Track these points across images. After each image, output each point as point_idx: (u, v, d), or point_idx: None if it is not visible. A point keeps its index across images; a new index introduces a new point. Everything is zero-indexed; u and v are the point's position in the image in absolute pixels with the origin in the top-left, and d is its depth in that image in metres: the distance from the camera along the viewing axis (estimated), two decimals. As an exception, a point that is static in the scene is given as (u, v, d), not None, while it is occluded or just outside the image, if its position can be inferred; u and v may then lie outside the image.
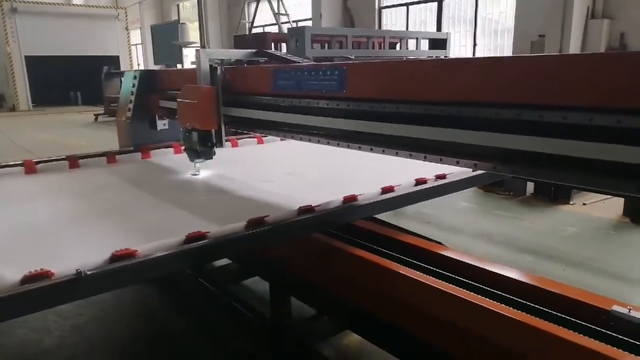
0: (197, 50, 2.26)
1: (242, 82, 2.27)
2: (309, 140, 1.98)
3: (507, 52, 10.49)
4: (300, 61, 2.15)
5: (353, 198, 2.03)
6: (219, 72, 2.27)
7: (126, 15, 22.60)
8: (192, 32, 17.19)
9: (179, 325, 2.98)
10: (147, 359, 2.65)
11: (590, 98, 1.10)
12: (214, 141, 2.35)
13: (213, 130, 2.32)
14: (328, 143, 1.88)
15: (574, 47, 8.28)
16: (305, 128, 1.98)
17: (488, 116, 1.33)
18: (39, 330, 2.86)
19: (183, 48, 15.51)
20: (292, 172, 2.79)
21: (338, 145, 1.84)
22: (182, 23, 13.52)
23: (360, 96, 1.69)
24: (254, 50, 2.49)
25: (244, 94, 2.26)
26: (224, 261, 3.25)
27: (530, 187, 5.61)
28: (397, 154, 1.67)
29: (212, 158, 2.47)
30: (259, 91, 2.15)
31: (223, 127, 2.33)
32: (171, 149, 3.36)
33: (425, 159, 1.57)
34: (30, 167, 2.82)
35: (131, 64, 22.89)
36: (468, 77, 1.38)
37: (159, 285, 3.35)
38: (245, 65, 2.48)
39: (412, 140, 1.58)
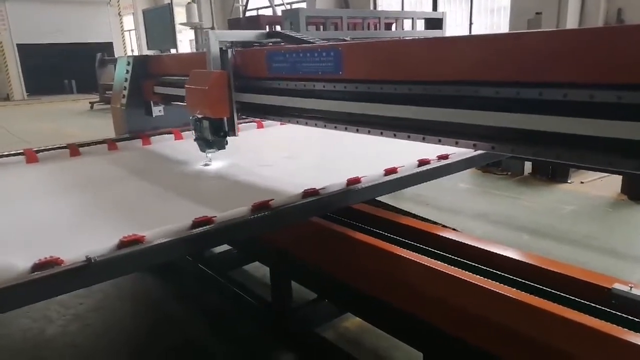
0: (206, 32, 2.14)
1: (255, 65, 2.12)
2: (326, 126, 1.89)
3: (504, 30, 10.40)
4: (316, 41, 2.02)
5: (356, 180, 2.02)
6: (229, 55, 2.15)
7: (118, 1, 22.26)
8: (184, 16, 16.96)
9: (180, 312, 3.00)
10: (149, 346, 2.68)
11: (590, 74, 1.09)
12: (227, 130, 2.23)
13: (225, 118, 2.20)
14: (346, 129, 1.82)
15: (571, 24, 8.21)
16: (324, 114, 1.89)
17: (487, 95, 1.31)
18: (40, 320, 2.88)
19: (178, 33, 15.29)
20: (294, 156, 2.78)
21: (346, 129, 1.80)
22: (188, 2, 13.16)
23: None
24: (266, 32, 2.36)
25: (257, 79, 2.13)
26: (223, 247, 3.26)
27: (528, 166, 5.63)
28: (395, 136, 1.66)
29: (224, 148, 2.35)
30: (275, 75, 2.03)
31: (235, 115, 2.21)
32: (171, 135, 3.34)
33: (423, 140, 1.56)
34: (31, 156, 2.81)
35: (125, 50, 22.62)
36: (467, 55, 1.36)
37: (159, 272, 3.37)
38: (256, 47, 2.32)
39: (410, 121, 1.57)
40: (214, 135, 2.23)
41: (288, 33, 2.32)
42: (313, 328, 2.56)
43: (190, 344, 2.66)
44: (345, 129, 1.83)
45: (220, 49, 2.13)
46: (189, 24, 12.72)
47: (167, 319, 2.94)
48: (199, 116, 2.23)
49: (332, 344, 2.48)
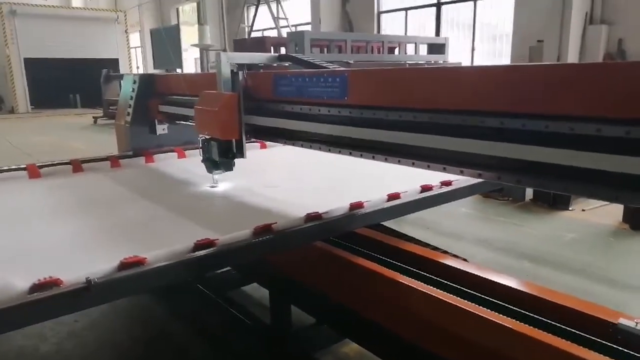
0: (218, 54, 2.14)
1: (265, 88, 2.13)
2: (331, 150, 1.89)
3: (506, 57, 10.52)
4: (328, 66, 2.01)
5: (359, 205, 2.01)
6: (240, 77, 2.16)
7: (125, 18, 22.61)
8: (192, 36, 17.21)
9: (177, 332, 2.96)
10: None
11: (597, 108, 1.10)
12: (235, 152, 2.21)
13: (234, 140, 2.19)
14: (350, 153, 1.81)
15: (572, 53, 8.32)
16: (330, 138, 1.89)
17: (493, 125, 1.32)
18: (34, 337, 2.83)
19: (183, 52, 15.49)
20: (297, 178, 2.78)
21: (350, 154, 1.81)
22: (200, 24, 13.35)
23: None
24: (278, 55, 2.37)
25: (267, 101, 2.14)
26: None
27: (529, 192, 5.62)
28: (399, 162, 1.67)
29: (232, 170, 2.34)
30: (285, 98, 2.03)
31: (244, 137, 2.20)
32: (175, 154, 3.35)
33: (428, 167, 1.56)
34: (34, 172, 2.81)
35: (130, 67, 22.89)
36: (473, 85, 1.37)
37: (156, 290, 3.33)
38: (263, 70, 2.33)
39: (415, 148, 1.58)
40: (222, 157, 2.22)
41: (300, 57, 2.32)
42: (312, 352, 2.52)
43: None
44: (350, 154, 1.84)
45: (232, 70, 2.14)
46: (200, 45, 12.88)
47: (163, 337, 2.90)
48: (208, 137, 2.23)
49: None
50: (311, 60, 2.19)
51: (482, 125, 1.35)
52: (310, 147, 2.02)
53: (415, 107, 1.53)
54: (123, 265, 1.39)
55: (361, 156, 1.79)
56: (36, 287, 1.25)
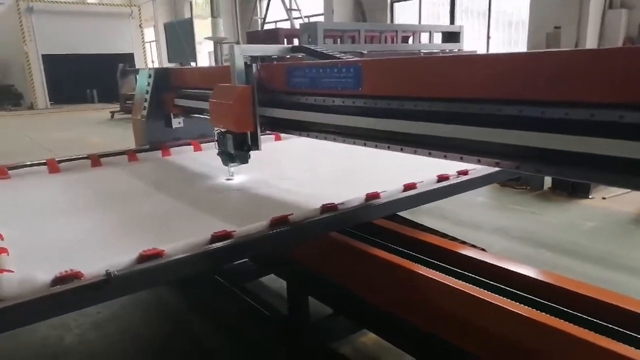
0: (231, 46, 2.14)
1: (279, 80, 2.12)
2: (345, 141, 1.89)
3: (522, 44, 10.34)
4: (343, 56, 1.99)
5: (375, 196, 2.00)
6: (254, 69, 2.15)
7: (140, 13, 22.75)
8: (206, 30, 17.23)
9: (195, 322, 3.01)
10: (164, 355, 2.68)
11: (619, 94, 1.07)
12: (250, 144, 2.22)
13: (249, 133, 2.19)
14: (365, 144, 1.81)
15: (591, 39, 8.14)
16: (345, 129, 1.88)
17: (511, 113, 1.30)
18: (58, 328, 2.90)
19: (197, 45, 15.52)
20: (312, 169, 2.77)
21: (365, 144, 1.80)
22: (214, 17, 13.35)
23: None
24: (291, 46, 2.36)
25: (281, 93, 2.13)
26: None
27: (547, 181, 5.54)
28: (415, 152, 1.65)
29: (247, 162, 2.35)
30: (299, 90, 2.03)
31: (259, 129, 2.20)
32: (191, 147, 3.38)
33: (445, 157, 1.55)
34: (53, 167, 2.85)
35: (145, 62, 23.06)
36: (491, 73, 1.35)
37: (175, 283, 3.38)
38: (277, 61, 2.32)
39: (431, 138, 1.56)
40: (238, 150, 2.22)
41: (313, 48, 2.31)
42: (329, 343, 2.53)
43: (204, 354, 2.65)
44: (365, 145, 1.83)
45: (245, 63, 2.13)
46: (214, 38, 12.87)
47: (182, 328, 2.95)
48: (223, 130, 2.23)
49: (347, 358, 2.46)
50: (325, 51, 2.17)
51: (499, 114, 1.33)
52: (325, 139, 2.01)
53: (431, 96, 1.51)
54: (142, 258, 1.41)
55: (376, 146, 1.78)
56: (58, 280, 1.27)
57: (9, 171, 2.75)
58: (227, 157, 2.33)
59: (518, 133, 1.29)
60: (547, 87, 1.21)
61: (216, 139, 2.32)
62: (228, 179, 2.57)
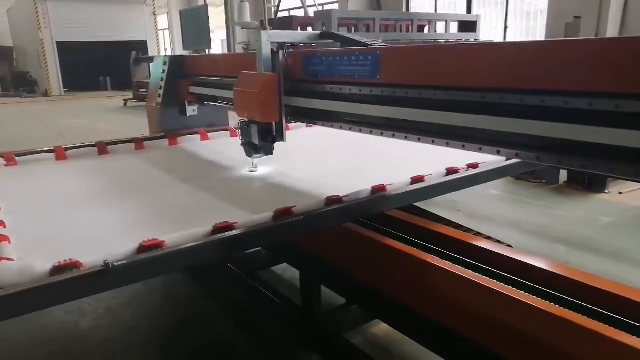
0: (258, 32, 2.03)
1: (307, 68, 2.02)
2: (361, 131, 1.84)
3: (540, 34, 10.16)
4: (374, 43, 1.90)
5: (382, 188, 1.97)
6: (280, 57, 2.05)
7: (153, 1, 22.75)
8: (218, 16, 17.20)
9: (207, 309, 3.03)
10: (177, 340, 2.71)
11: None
12: (275, 135, 2.14)
13: (274, 123, 2.12)
14: (382, 134, 1.77)
15: (612, 28, 7.96)
16: (368, 119, 1.82)
17: (533, 103, 1.27)
18: (74, 313, 2.94)
19: (212, 32, 15.44)
20: (320, 160, 2.75)
21: (382, 134, 1.77)
22: (241, 1, 13.23)
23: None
24: (320, 32, 2.27)
25: (308, 82, 2.03)
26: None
27: (563, 175, 5.47)
28: (433, 143, 1.63)
29: (272, 154, 2.27)
30: (328, 79, 1.94)
31: (284, 119, 2.11)
32: (198, 136, 3.36)
33: (463, 147, 1.53)
34: (60, 154, 2.86)
35: (159, 49, 23.11)
36: (511, 62, 1.32)
37: (188, 270, 3.41)
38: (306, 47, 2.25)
39: (450, 128, 1.54)
40: (262, 141, 2.15)
41: (342, 35, 2.20)
42: (341, 333, 2.53)
43: (217, 341, 2.68)
44: (381, 134, 1.81)
45: (272, 50, 2.05)
46: (240, 23, 12.74)
47: (195, 315, 2.97)
48: (247, 120, 2.17)
49: (358, 349, 2.46)
50: (354, 38, 2.08)
51: (521, 104, 1.30)
52: (341, 128, 1.99)
53: (450, 85, 1.49)
54: (142, 248, 1.38)
55: (393, 136, 1.76)
56: (56, 269, 1.26)
57: (17, 158, 2.75)
58: (251, 148, 2.26)
59: (540, 124, 1.26)
60: (570, 76, 1.18)
61: (239, 128, 2.25)
62: (251, 171, 2.50)
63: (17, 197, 2.12)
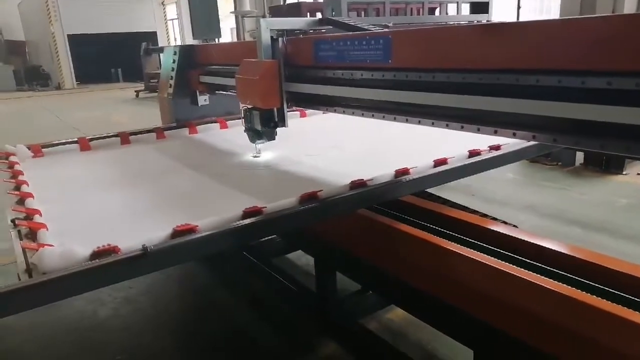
0: (257, 20, 2.07)
1: (306, 54, 2.05)
2: (374, 116, 1.84)
3: (554, 12, 9.94)
4: (372, 28, 1.91)
5: (405, 172, 1.97)
6: (280, 44, 2.09)
7: (161, -10, 22.74)
8: (226, 4, 17.10)
9: (224, 297, 3.07)
10: (195, 329, 2.75)
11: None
12: (276, 120, 2.18)
13: (275, 109, 2.16)
14: (395, 119, 1.76)
15: (629, 5, 7.74)
16: (374, 103, 1.83)
17: (549, 84, 1.25)
18: (93, 302, 3.00)
19: (221, 20, 15.36)
20: (339, 146, 2.75)
21: (395, 119, 1.75)
22: None
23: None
24: (318, 19, 2.28)
25: (307, 68, 2.07)
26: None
27: (579, 156, 5.39)
28: (447, 126, 1.61)
29: (274, 139, 2.32)
30: (325, 64, 1.96)
31: (285, 105, 2.15)
32: (217, 124, 3.39)
33: (478, 131, 1.50)
34: (84, 144, 2.92)
35: (168, 39, 23.13)
36: (527, 42, 1.29)
37: (204, 257, 3.44)
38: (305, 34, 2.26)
39: (464, 111, 1.52)
40: (264, 126, 2.20)
41: (341, 20, 2.23)
42: (357, 319, 2.55)
43: (233, 329, 2.71)
44: (395, 119, 1.79)
45: (271, 37, 2.08)
46: (239, 12, 12.68)
47: (212, 303, 3.02)
48: (249, 107, 2.21)
49: (374, 334, 2.47)
50: (353, 23, 2.10)
51: (537, 85, 1.27)
52: (353, 114, 1.97)
53: (463, 67, 1.46)
54: (176, 233, 1.42)
55: (407, 121, 1.74)
56: (96, 254, 1.31)
57: (43, 149, 2.81)
58: (254, 134, 2.31)
59: (557, 104, 1.24)
60: (589, 55, 1.15)
61: (243, 115, 2.30)
62: (255, 156, 2.57)
63: (47, 187, 2.17)
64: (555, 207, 4.26)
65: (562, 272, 1.61)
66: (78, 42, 20.71)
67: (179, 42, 23.96)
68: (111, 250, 1.32)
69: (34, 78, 21.23)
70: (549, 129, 1.32)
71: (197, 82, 3.33)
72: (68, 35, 20.59)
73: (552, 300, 1.46)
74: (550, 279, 1.54)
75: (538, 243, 1.82)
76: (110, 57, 22.01)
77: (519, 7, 10.74)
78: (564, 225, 3.86)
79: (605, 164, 5.11)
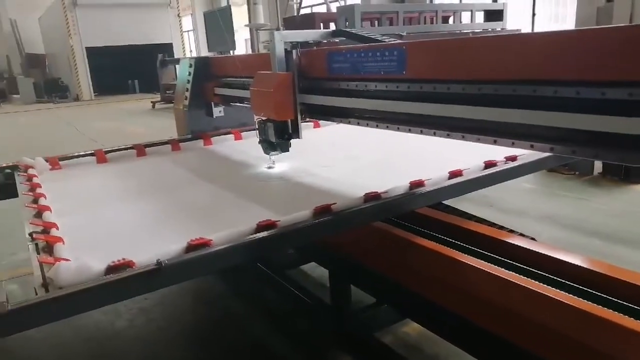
0: (271, 33, 2.09)
1: (320, 66, 2.07)
2: (389, 127, 1.84)
3: (570, 21, 9.84)
4: (387, 39, 1.93)
5: (420, 183, 1.95)
6: (294, 56, 2.12)
7: (177, 2, 23.06)
8: (241, 16, 17.31)
9: (238, 308, 3.06)
10: (210, 340, 2.74)
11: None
12: (290, 132, 2.19)
13: (289, 121, 2.17)
14: (409, 130, 1.75)
15: (647, 12, 7.63)
16: (389, 115, 1.82)
17: (568, 95, 1.22)
18: (110, 313, 3.02)
19: (235, 33, 15.57)
20: (352, 157, 2.74)
21: (409, 130, 1.75)
22: (254, 3, 13.26)
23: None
24: (332, 30, 2.31)
25: (321, 79, 2.08)
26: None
27: (597, 165, 5.29)
28: (463, 138, 1.59)
29: (288, 150, 2.33)
30: (339, 76, 1.97)
31: (299, 117, 2.16)
32: (231, 136, 3.41)
33: (495, 143, 1.48)
34: (101, 157, 2.95)
35: (184, 51, 23.44)
36: (545, 52, 1.27)
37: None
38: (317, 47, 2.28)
39: (480, 122, 1.50)
40: (278, 138, 2.21)
41: (353, 31, 2.24)
42: (372, 332, 2.52)
43: (248, 341, 2.70)
44: (409, 131, 1.78)
45: (285, 49, 2.10)
46: (253, 25, 12.82)
47: (226, 314, 3.01)
48: (264, 118, 2.22)
49: (389, 348, 2.44)
50: (366, 34, 2.11)
51: (555, 96, 1.25)
52: (367, 125, 1.97)
53: (479, 78, 1.44)
54: (190, 247, 1.43)
55: (421, 132, 1.73)
56: (111, 269, 1.31)
57: (60, 162, 2.85)
58: (268, 146, 2.32)
59: (576, 116, 1.21)
60: (608, 65, 1.13)
61: (257, 127, 2.31)
62: (269, 167, 2.57)
63: (64, 200, 2.19)
64: (573, 217, 4.18)
65: (582, 287, 1.57)
66: (96, 54, 21.09)
67: (194, 54, 24.31)
68: (126, 265, 1.32)
69: (53, 90, 21.64)
70: (567, 140, 1.29)
71: (212, 93, 3.36)
72: (86, 48, 20.98)
73: (572, 316, 1.42)
74: (570, 294, 1.50)
75: (557, 256, 1.78)
76: (127, 69, 22.37)
77: (533, 15, 10.66)
78: (583, 237, 3.79)
79: (625, 174, 5.01)
